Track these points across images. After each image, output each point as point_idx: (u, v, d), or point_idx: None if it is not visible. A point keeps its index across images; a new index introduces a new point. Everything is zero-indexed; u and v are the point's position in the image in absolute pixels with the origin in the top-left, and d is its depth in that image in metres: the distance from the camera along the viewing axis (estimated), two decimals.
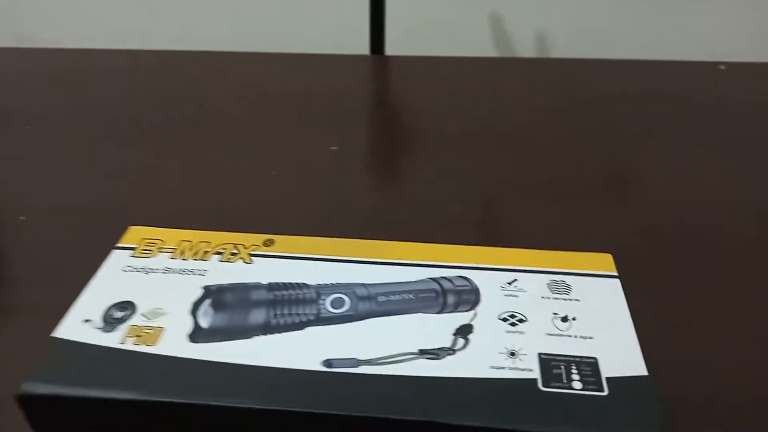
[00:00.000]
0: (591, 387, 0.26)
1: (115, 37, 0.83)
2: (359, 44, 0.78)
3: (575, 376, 0.27)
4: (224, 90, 0.63)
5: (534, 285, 0.31)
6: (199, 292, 0.31)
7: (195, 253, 0.33)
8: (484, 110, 0.59)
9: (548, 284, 0.31)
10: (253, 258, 0.33)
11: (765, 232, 0.44)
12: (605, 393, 0.26)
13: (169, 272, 0.32)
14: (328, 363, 0.28)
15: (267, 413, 0.26)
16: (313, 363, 0.28)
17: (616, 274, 0.32)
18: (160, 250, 0.33)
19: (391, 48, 0.78)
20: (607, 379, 0.26)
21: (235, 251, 0.33)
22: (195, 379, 0.27)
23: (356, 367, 0.27)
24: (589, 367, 0.27)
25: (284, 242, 0.34)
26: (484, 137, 0.56)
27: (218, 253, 0.33)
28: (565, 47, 0.86)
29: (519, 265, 0.32)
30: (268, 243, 0.34)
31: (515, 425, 0.25)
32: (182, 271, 0.32)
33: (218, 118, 0.58)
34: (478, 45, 0.89)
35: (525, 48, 0.90)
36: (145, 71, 0.68)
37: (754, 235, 0.44)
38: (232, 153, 0.55)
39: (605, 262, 0.33)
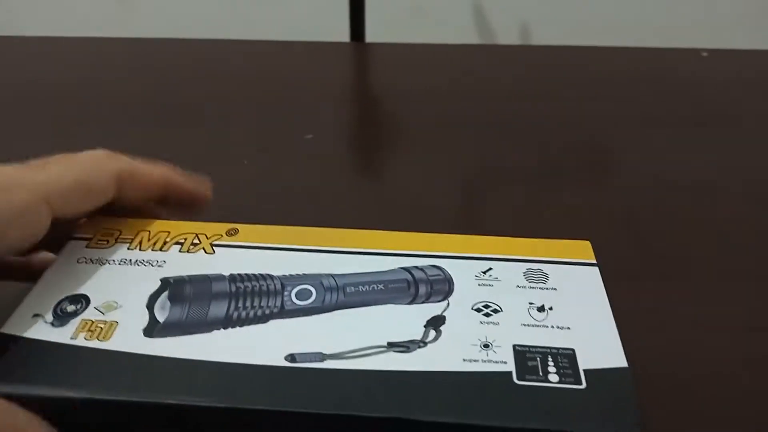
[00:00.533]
0: (568, 380, 0.25)
1: (88, 25, 0.81)
2: (339, 31, 0.76)
3: (552, 369, 0.25)
4: (196, 77, 0.62)
5: (510, 274, 0.30)
6: (156, 285, 0.29)
7: (154, 244, 0.31)
8: (464, 98, 0.58)
9: (524, 273, 0.30)
10: (215, 248, 0.31)
11: (746, 215, 0.44)
12: (583, 386, 0.24)
13: (126, 264, 0.30)
14: (291, 358, 0.26)
15: (226, 411, 0.24)
16: (275, 358, 0.26)
17: (594, 261, 0.31)
18: (118, 240, 0.32)
19: (372, 35, 0.77)
20: (585, 371, 0.25)
21: (197, 241, 0.31)
22: (149, 377, 0.26)
23: (321, 361, 0.26)
24: (566, 358, 0.25)
25: (249, 231, 0.32)
26: (464, 125, 0.54)
27: (178, 243, 0.31)
28: (547, 34, 0.86)
29: (495, 254, 0.31)
30: (231, 232, 0.32)
31: (488, 421, 0.24)
32: (140, 263, 0.30)
33: (189, 106, 0.57)
34: (460, 32, 0.87)
35: (507, 35, 0.88)
36: (117, 59, 0.66)
37: (735, 218, 0.43)
38: (203, 141, 0.53)
39: (583, 249, 0.31)
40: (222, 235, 0.32)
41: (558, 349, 0.26)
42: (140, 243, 0.31)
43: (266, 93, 0.57)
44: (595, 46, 0.65)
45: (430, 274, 0.29)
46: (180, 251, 0.31)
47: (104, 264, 0.30)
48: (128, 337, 0.27)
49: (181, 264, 0.30)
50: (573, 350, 0.26)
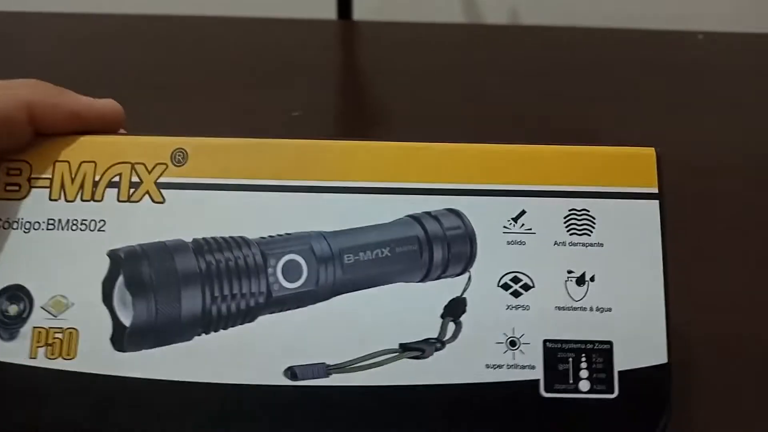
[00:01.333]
0: (600, 387, 0.23)
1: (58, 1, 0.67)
2: (326, 8, 0.77)
3: (584, 373, 0.23)
4: (180, 54, 0.59)
5: (548, 222, 0.24)
6: (103, 262, 0.23)
7: (80, 187, 0.24)
8: (452, 77, 0.56)
9: (566, 219, 0.24)
10: (163, 192, 0.24)
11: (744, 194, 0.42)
12: (614, 395, 0.23)
13: (55, 227, 0.24)
14: (291, 373, 0.23)
15: None
16: (273, 373, 0.23)
17: (655, 190, 0.24)
18: (31, 181, 0.24)
19: (360, 12, 0.78)
20: (620, 373, 0.23)
21: (137, 179, 0.24)
22: (134, 409, 0.22)
23: (326, 377, 0.23)
24: (601, 357, 0.23)
25: (200, 154, 0.25)
26: (451, 105, 0.53)
27: (113, 184, 0.24)
28: (537, 15, 0.84)
29: (529, 183, 0.24)
30: (178, 158, 0.24)
31: None
32: (73, 225, 0.24)
33: (173, 83, 0.55)
34: (449, 11, 0.88)
35: (496, 15, 0.90)
36: (96, 36, 0.60)
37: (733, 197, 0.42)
38: (189, 119, 0.49)
39: (645, 166, 0.24)
40: (167, 165, 0.24)
41: (594, 343, 0.23)
42: (63, 186, 0.24)
43: (253, 70, 0.56)
44: (587, 27, 0.64)
45: (446, 227, 0.24)
46: (119, 200, 0.24)
47: (27, 230, 0.23)
48: (96, 350, 0.23)
49: (127, 222, 0.24)
50: (610, 344, 0.23)
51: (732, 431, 0.29)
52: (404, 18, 0.69)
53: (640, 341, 0.23)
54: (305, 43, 0.62)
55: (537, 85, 0.56)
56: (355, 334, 0.23)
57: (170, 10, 0.67)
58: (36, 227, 0.24)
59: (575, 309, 0.23)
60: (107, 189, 0.24)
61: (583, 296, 0.24)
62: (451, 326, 0.23)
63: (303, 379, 0.23)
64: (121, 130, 0.26)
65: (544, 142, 0.25)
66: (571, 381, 0.23)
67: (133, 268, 0.23)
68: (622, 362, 0.23)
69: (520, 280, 0.24)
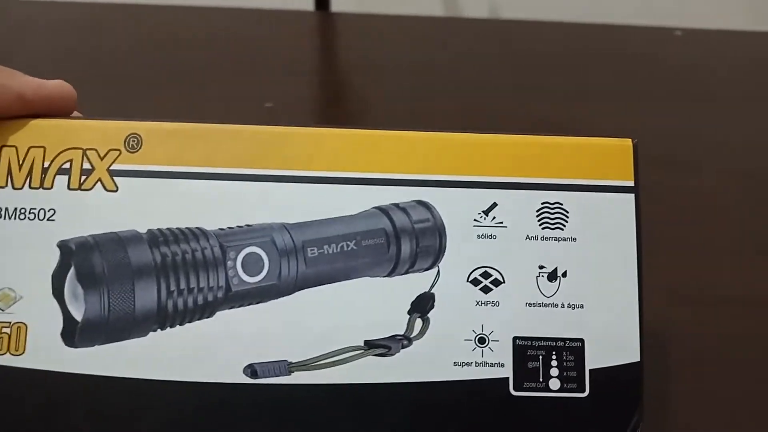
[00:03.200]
0: (570, 386, 0.22)
1: None
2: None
3: (554, 371, 0.22)
4: (152, 44, 0.57)
5: (519, 213, 0.23)
6: (53, 253, 0.22)
7: (29, 174, 0.23)
8: (430, 70, 0.56)
9: (538, 212, 0.23)
10: (115, 179, 0.23)
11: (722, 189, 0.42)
12: (585, 394, 0.22)
13: (2, 216, 0.22)
14: (252, 371, 0.22)
15: None
16: (233, 371, 0.22)
17: (631, 183, 0.23)
18: None
19: (338, 4, 0.76)
20: (591, 372, 0.22)
21: (88, 166, 0.23)
22: (86, 407, 0.21)
23: (288, 374, 0.22)
24: (572, 355, 0.22)
25: (154, 139, 0.23)
26: (429, 98, 0.52)
27: (63, 171, 0.23)
28: (517, 9, 0.84)
29: (502, 175, 0.23)
30: (132, 144, 0.23)
31: None
32: (20, 213, 0.22)
33: (142, 73, 0.54)
34: (427, 3, 0.85)
35: (475, 8, 0.90)
36: (66, 24, 0.59)
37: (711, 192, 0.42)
38: (158, 110, 0.47)
39: (621, 158, 0.23)
40: (121, 151, 0.23)
41: (565, 340, 0.22)
42: (10, 173, 0.23)
43: (225, 60, 0.56)
44: (565, 22, 0.63)
45: (415, 219, 0.23)
46: (69, 188, 0.23)
47: None
48: (46, 346, 0.21)
49: (77, 211, 0.22)
50: (582, 341, 0.22)
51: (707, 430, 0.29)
52: (383, 10, 0.68)
53: (613, 339, 0.22)
54: (281, 34, 0.61)
55: (515, 79, 0.55)
56: (319, 330, 0.22)
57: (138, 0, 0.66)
58: None
59: (546, 305, 0.23)
60: (57, 176, 0.23)
61: (555, 292, 0.23)
62: (419, 323, 0.22)
63: (264, 377, 0.22)
64: (76, 113, 0.25)
65: (519, 133, 0.24)
66: (541, 379, 0.22)
67: (84, 260, 0.22)
68: (593, 360, 0.22)
69: (490, 276, 0.23)
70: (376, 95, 0.55)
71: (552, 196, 0.23)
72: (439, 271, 0.23)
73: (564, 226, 0.23)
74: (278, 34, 0.61)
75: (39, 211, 0.22)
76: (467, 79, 0.56)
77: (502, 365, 0.22)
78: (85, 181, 0.23)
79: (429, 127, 0.25)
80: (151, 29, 0.61)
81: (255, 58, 0.57)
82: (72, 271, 0.22)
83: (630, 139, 0.24)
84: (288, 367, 0.22)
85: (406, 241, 0.23)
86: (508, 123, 0.50)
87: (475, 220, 0.23)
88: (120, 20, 0.63)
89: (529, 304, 0.23)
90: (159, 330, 0.22)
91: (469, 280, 0.23)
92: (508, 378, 0.22)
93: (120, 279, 0.22)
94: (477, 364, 0.22)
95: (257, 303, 0.22)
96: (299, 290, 0.22)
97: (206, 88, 0.54)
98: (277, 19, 0.63)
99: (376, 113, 0.53)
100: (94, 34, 0.60)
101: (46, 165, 0.23)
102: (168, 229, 0.22)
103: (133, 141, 0.23)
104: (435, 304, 0.22)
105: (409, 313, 0.22)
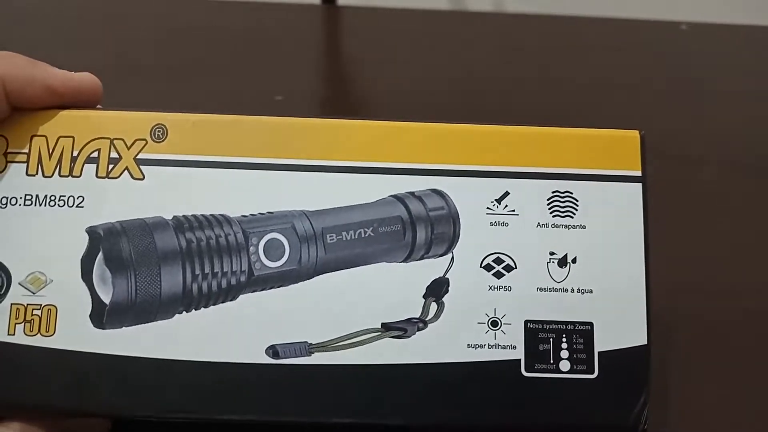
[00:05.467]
0: (580, 368, 0.23)
1: None
2: None
3: (564, 354, 0.23)
4: (158, 37, 0.57)
5: (530, 203, 0.24)
6: (82, 238, 0.23)
7: (59, 163, 0.23)
8: (437, 64, 0.56)
9: (549, 201, 0.24)
10: (142, 168, 0.24)
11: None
12: (594, 375, 0.23)
13: (32, 202, 0.23)
14: (273, 352, 0.23)
15: (207, 424, 0.22)
16: (255, 352, 0.23)
17: (638, 173, 0.24)
18: (8, 155, 0.23)
19: None
20: (600, 354, 0.23)
21: (115, 155, 0.24)
22: (114, 385, 0.22)
23: (309, 355, 0.23)
24: (581, 338, 0.23)
25: (181, 131, 0.24)
26: (436, 92, 0.52)
27: (91, 160, 0.24)
28: (522, 3, 0.82)
29: (513, 164, 0.24)
30: (158, 134, 0.24)
31: (491, 421, 0.23)
32: (50, 200, 0.23)
33: (151, 65, 0.53)
34: None
35: (481, 2, 0.90)
36: (80, 13, 0.58)
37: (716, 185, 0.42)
38: (167, 101, 0.48)
39: (629, 149, 0.24)
40: (147, 141, 0.24)
41: (575, 324, 0.23)
42: (40, 161, 0.23)
43: (233, 54, 0.56)
44: (571, 16, 0.63)
45: (430, 207, 0.24)
46: (97, 176, 0.24)
47: (4, 206, 0.23)
48: (75, 328, 0.22)
49: (106, 198, 0.23)
50: (591, 325, 0.23)
51: (711, 413, 0.30)
52: (389, 4, 0.68)
53: (621, 323, 0.23)
54: (289, 28, 0.61)
55: (520, 72, 0.56)
56: (338, 313, 0.23)
57: None
58: (13, 203, 0.23)
59: (557, 290, 0.24)
60: (85, 165, 0.24)
61: (565, 278, 0.24)
62: (434, 306, 0.23)
63: (285, 358, 0.23)
64: (99, 107, 0.26)
65: (529, 124, 0.25)
66: (551, 361, 0.23)
67: (112, 246, 0.23)
68: (602, 343, 0.23)
69: (503, 261, 0.24)
70: (384, 88, 0.55)
71: (562, 185, 0.24)
72: (453, 257, 0.24)
73: (574, 214, 0.24)
74: (287, 27, 0.62)
75: (68, 198, 0.23)
76: (474, 72, 0.56)
77: (514, 347, 0.23)
78: (112, 169, 0.24)
79: (437, 119, 0.26)
80: (160, 22, 0.61)
81: (263, 52, 0.58)
82: (100, 255, 0.23)
83: (637, 131, 0.25)
84: (308, 348, 0.23)
85: (421, 228, 0.24)
86: (515, 116, 0.52)
87: (488, 208, 0.24)
88: (130, 12, 0.62)
89: (540, 289, 0.23)
90: (184, 312, 0.23)
91: (482, 265, 0.24)
92: (519, 360, 0.23)
93: (147, 263, 0.23)
94: (490, 346, 0.23)
95: (278, 287, 0.23)
96: (319, 275, 0.23)
97: (216, 82, 0.54)
98: (285, 12, 0.63)
99: (384, 105, 0.54)
100: (104, 24, 0.60)
101: (75, 154, 0.24)
102: (193, 215, 0.23)
103: (159, 131, 0.24)
104: (449, 288, 0.23)
105: (424, 297, 0.23)
